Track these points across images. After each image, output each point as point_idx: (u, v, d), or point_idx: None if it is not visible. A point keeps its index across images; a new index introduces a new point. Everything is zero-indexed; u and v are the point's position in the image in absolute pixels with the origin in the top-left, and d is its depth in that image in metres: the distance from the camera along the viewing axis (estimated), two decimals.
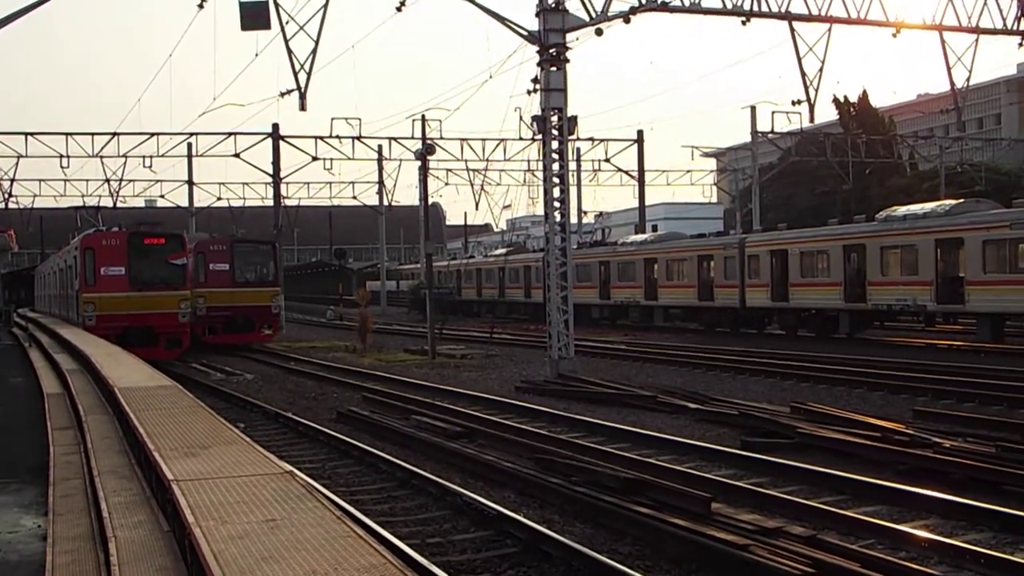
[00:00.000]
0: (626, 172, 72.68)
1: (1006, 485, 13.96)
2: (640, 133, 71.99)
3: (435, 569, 10.28)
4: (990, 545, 11.40)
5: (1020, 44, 37.16)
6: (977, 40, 36.79)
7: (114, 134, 59.32)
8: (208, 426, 11.74)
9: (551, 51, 30.53)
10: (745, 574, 10.46)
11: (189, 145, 63.34)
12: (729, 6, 32.76)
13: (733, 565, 10.64)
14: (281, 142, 62.18)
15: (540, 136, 32.25)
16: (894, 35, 35.19)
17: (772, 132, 64.71)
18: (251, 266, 47.06)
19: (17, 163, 60.83)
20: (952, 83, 38.22)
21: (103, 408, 16.52)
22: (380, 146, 66.80)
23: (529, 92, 31.89)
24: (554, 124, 31.06)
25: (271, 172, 63.13)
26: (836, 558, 10.29)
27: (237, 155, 61.85)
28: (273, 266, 47.55)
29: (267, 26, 31.19)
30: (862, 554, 10.49)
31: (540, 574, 10.99)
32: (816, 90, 35.70)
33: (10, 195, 70.26)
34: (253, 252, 47.83)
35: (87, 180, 69.71)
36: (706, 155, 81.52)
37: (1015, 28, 36.27)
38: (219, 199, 74.82)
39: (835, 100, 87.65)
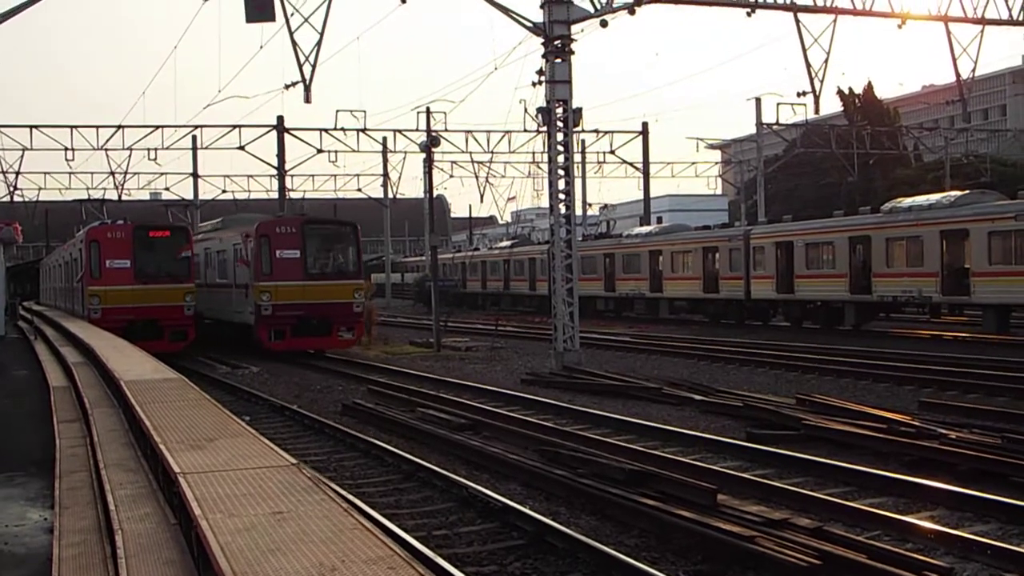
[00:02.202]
0: (631, 164, 72.64)
1: (1012, 476, 13.96)
2: (645, 125, 71.92)
3: (441, 561, 10.28)
4: (997, 536, 11.40)
5: None
6: (983, 31, 36.70)
7: (119, 127, 59.29)
8: (214, 419, 11.74)
9: (556, 43, 30.50)
10: (751, 566, 10.47)
11: (194, 138, 63.34)
12: None
13: (739, 557, 10.65)
14: (286, 134, 62.20)
15: (545, 128, 32.26)
16: (899, 26, 35.08)
17: (777, 124, 64.66)
18: (327, 253, 38.64)
19: (22, 156, 60.89)
20: (957, 74, 38.11)
21: (109, 401, 16.54)
22: (385, 138, 66.71)
23: (534, 84, 31.92)
24: (559, 116, 31.04)
25: (276, 165, 63.15)
26: (842, 550, 10.29)
27: (242, 148, 61.79)
28: (354, 253, 38.64)
29: (272, 18, 31.08)
30: (868, 545, 10.49)
31: (546, 566, 10.99)
32: (821, 82, 35.62)
33: (15, 188, 70.17)
34: (330, 236, 39.15)
35: (92, 173, 69.84)
36: (711, 147, 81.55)
37: (1021, 19, 36.16)
38: (224, 192, 74.78)
39: (840, 92, 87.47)
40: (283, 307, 36.25)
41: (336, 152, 64.30)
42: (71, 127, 59.09)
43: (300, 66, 32.90)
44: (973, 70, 38.21)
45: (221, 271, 41.89)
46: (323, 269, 37.71)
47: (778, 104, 62.12)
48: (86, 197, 55.73)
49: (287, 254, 36.68)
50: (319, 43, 32.61)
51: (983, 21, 36.09)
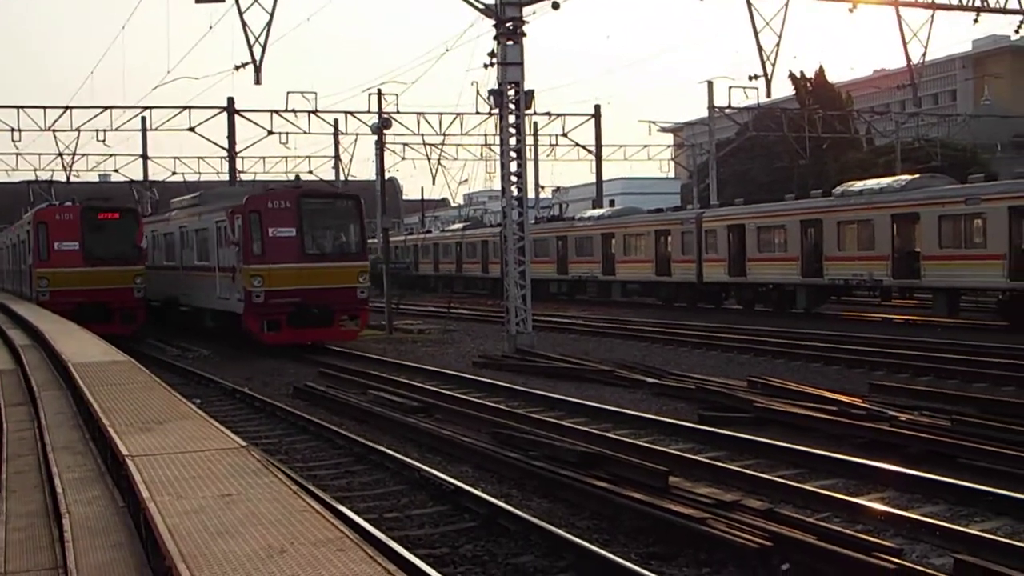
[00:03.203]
0: (583, 147, 72.60)
1: (961, 458, 14.09)
2: (597, 108, 71.92)
3: (391, 543, 10.27)
4: (945, 517, 11.49)
5: (975, 20, 37.28)
6: (933, 16, 36.92)
7: (67, 107, 58.63)
8: (163, 402, 11.65)
9: (508, 25, 30.42)
10: (703, 547, 10.50)
11: (143, 119, 62.68)
12: None
13: (691, 539, 10.68)
14: (236, 116, 61.77)
15: (497, 110, 32.19)
16: (851, 10, 35.20)
17: (729, 107, 64.77)
18: (326, 231, 34.21)
19: None
20: (908, 59, 38.35)
21: (57, 384, 16.38)
22: (336, 120, 66.23)
23: (486, 66, 31.82)
24: (511, 98, 30.99)
25: (226, 147, 62.74)
26: (793, 531, 10.34)
27: (192, 129, 61.25)
28: (357, 230, 34.20)
29: None
30: (819, 527, 10.54)
31: (498, 548, 10.98)
32: (773, 65, 35.68)
33: None
34: (330, 210, 34.54)
35: (40, 154, 68.92)
36: (663, 130, 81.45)
37: (970, 4, 36.39)
38: (174, 173, 74.23)
39: (792, 75, 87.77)
40: (277, 293, 31.78)
41: (287, 134, 63.78)
42: (18, 107, 58.31)
43: (250, 47, 32.67)
44: (924, 55, 38.48)
45: (201, 252, 37.21)
46: (322, 249, 33.39)
47: (730, 88, 62.24)
48: (34, 178, 55.26)
49: (281, 232, 32.25)
50: (269, 24, 32.39)
51: (933, 6, 36.32)
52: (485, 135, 67.74)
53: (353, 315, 33.65)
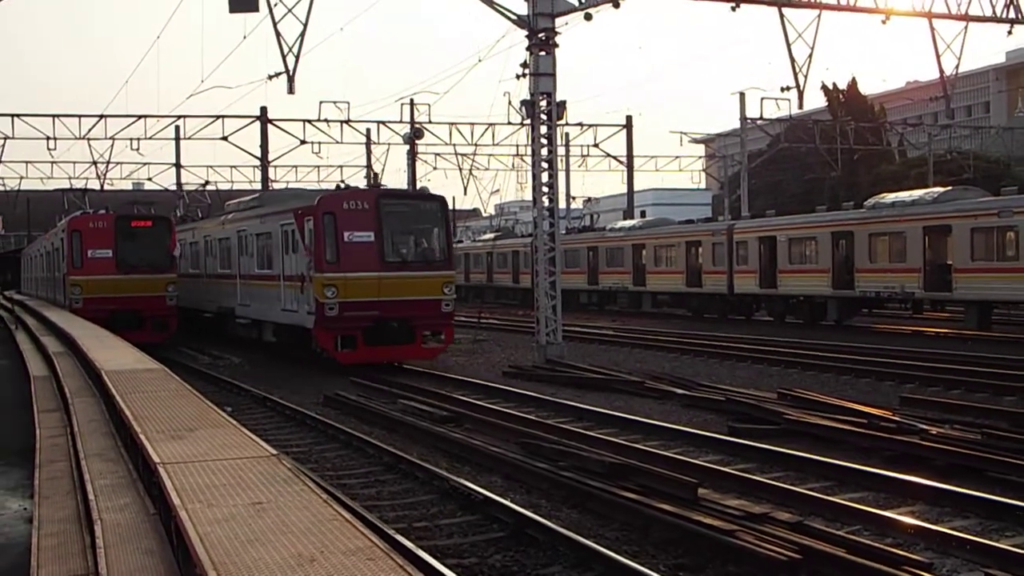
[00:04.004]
0: (615, 158, 72.62)
1: (991, 472, 14.01)
2: (629, 119, 71.98)
3: (421, 552, 10.29)
4: (976, 532, 11.43)
5: (1009, 32, 37.19)
6: (966, 28, 36.86)
7: (101, 116, 59.00)
8: (195, 409, 11.71)
9: (540, 35, 30.49)
10: (731, 560, 10.48)
11: (177, 128, 63.06)
12: None
13: (719, 550, 10.66)
14: (269, 125, 62.03)
15: (529, 121, 32.24)
16: (884, 22, 35.17)
17: (761, 118, 64.66)
18: (409, 235, 30.57)
19: (4, 145, 60.43)
20: (941, 70, 38.24)
21: (90, 391, 16.49)
22: (368, 130, 66.49)
23: (518, 77, 31.96)
24: (543, 109, 31.03)
25: (259, 155, 63.00)
26: (822, 544, 10.31)
27: (225, 138, 61.54)
28: (442, 235, 30.75)
29: (255, 8, 31.08)
30: (848, 540, 10.51)
31: (526, 558, 10.99)
32: (805, 77, 35.65)
33: None
34: (413, 213, 30.81)
35: (74, 162, 69.41)
36: (695, 141, 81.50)
37: (1004, 16, 36.28)
38: (207, 182, 74.67)
39: (824, 87, 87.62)
40: (353, 305, 28.37)
41: (319, 143, 64.05)
42: (53, 116, 58.75)
43: (284, 57, 32.86)
44: (957, 67, 38.40)
45: (262, 259, 33.95)
46: (404, 256, 29.66)
47: (762, 99, 62.11)
48: (68, 186, 55.58)
49: (358, 237, 28.79)
50: (303, 34, 32.58)
51: (967, 18, 36.21)
52: (517, 145, 67.92)
53: (436, 330, 30.43)
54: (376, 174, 34.90)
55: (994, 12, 36.19)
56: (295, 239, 30.15)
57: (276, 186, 68.08)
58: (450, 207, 31.94)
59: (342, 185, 33.28)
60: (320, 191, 34.23)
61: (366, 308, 28.43)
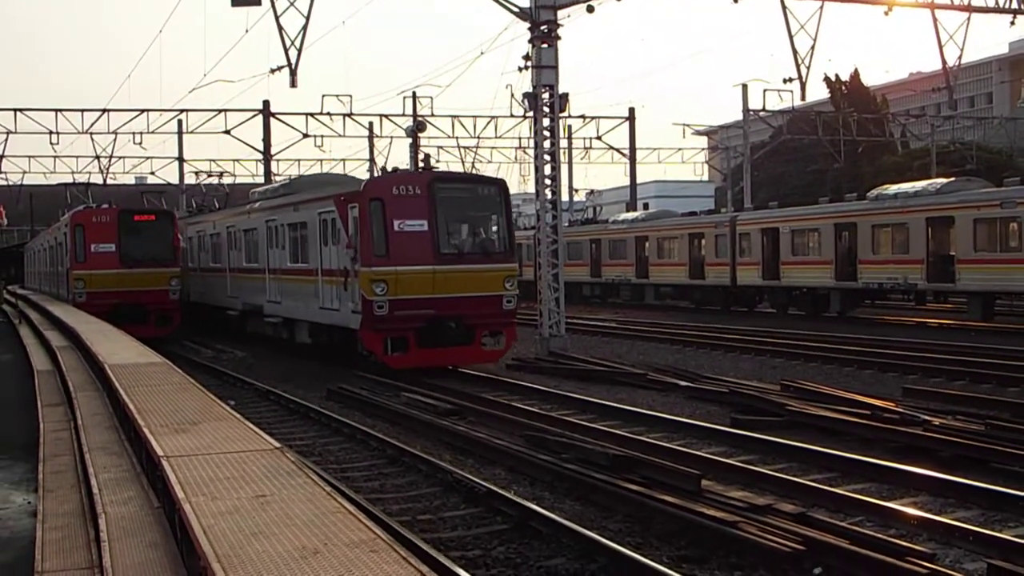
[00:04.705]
0: (617, 150, 72.63)
1: (995, 463, 14.02)
2: (632, 111, 71.95)
3: (423, 545, 10.31)
4: (979, 523, 11.44)
5: (1012, 22, 37.15)
6: (969, 18, 36.86)
7: (104, 110, 59.05)
8: (198, 403, 11.73)
9: (542, 28, 30.46)
10: (735, 551, 10.49)
11: (179, 122, 63.06)
12: None
13: (723, 542, 10.68)
14: (272, 119, 62.08)
15: (531, 113, 32.21)
16: (886, 13, 35.17)
17: (764, 110, 64.62)
18: (465, 224, 27.97)
19: (6, 139, 60.46)
20: (944, 61, 38.23)
21: (93, 385, 16.52)
22: (371, 123, 66.49)
23: (520, 69, 31.93)
24: (545, 101, 31.00)
25: (262, 149, 63.03)
26: (826, 535, 10.32)
27: (228, 132, 61.60)
28: (503, 223, 27.59)
29: (257, 2, 31.10)
30: (851, 531, 10.52)
31: (530, 551, 11.00)
32: (808, 68, 35.63)
33: None
34: (469, 198, 27.77)
35: (77, 157, 69.28)
36: (697, 133, 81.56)
37: (1007, 6, 36.24)
38: (210, 176, 74.65)
39: (827, 78, 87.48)
40: (404, 303, 25.52)
41: (322, 137, 64.07)
42: (56, 110, 58.80)
43: (286, 50, 32.86)
44: (960, 57, 38.41)
45: (296, 252, 31.03)
46: (461, 248, 26.94)
47: (764, 90, 62.05)
48: (71, 181, 55.62)
49: (410, 226, 25.94)
50: (305, 27, 32.60)
51: (970, 8, 36.16)
52: (519, 138, 67.90)
53: (496, 330, 27.21)
54: (427, 155, 30.85)
55: (997, 2, 36.16)
56: (336, 229, 27.33)
57: (279, 180, 68.21)
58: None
59: (387, 169, 30.81)
60: (353, 179, 32.60)
61: (420, 306, 25.61)
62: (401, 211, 25.72)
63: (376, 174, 34.50)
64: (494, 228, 27.74)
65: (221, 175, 60.65)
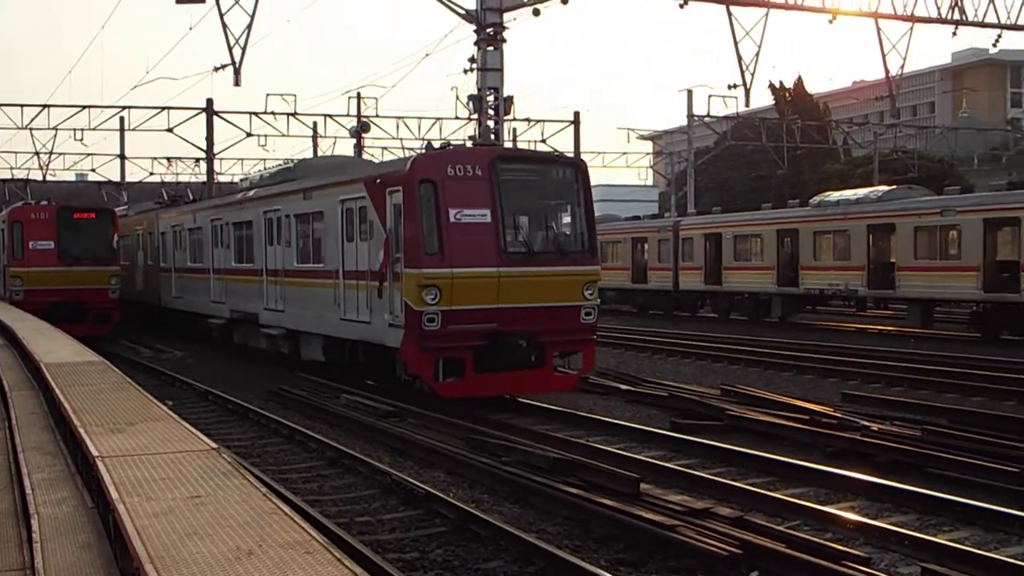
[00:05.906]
0: (562, 154, 72.72)
1: (930, 468, 14.16)
2: (576, 115, 71.79)
3: (359, 545, 10.28)
4: (914, 527, 11.54)
5: (954, 33, 37.56)
6: (912, 28, 37.14)
7: (44, 106, 58.39)
8: (136, 403, 11.62)
9: (488, 30, 30.45)
10: (672, 554, 10.52)
11: (121, 119, 62.43)
12: None
13: (661, 545, 10.71)
14: (215, 117, 61.67)
15: (476, 116, 32.19)
16: (830, 21, 35.40)
17: (708, 116, 64.96)
18: (536, 214, 21.90)
19: None
20: (887, 71, 38.55)
21: (29, 384, 16.32)
22: (315, 123, 66.14)
23: (466, 71, 31.91)
24: (490, 104, 31.00)
25: (204, 148, 62.65)
26: (762, 539, 10.37)
27: (170, 130, 61.06)
28: (582, 216, 21.47)
29: (202, 0, 30.89)
30: (788, 535, 10.58)
31: (468, 553, 10.99)
32: (752, 75, 35.83)
33: None
34: (540, 183, 21.60)
35: (15, 152, 69.01)
36: (642, 138, 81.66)
37: (949, 17, 36.58)
38: (151, 174, 74.05)
39: (771, 85, 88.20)
40: (463, 315, 19.68)
41: (266, 136, 63.70)
42: None
43: (230, 49, 32.63)
44: (902, 67, 38.75)
45: (307, 250, 26.07)
46: (530, 245, 21.05)
47: (709, 96, 62.51)
48: (9, 177, 55.03)
49: (469, 216, 19.95)
50: (249, 26, 32.35)
51: (912, 19, 36.49)
52: (464, 140, 67.78)
53: (572, 350, 21.15)
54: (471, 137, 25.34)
55: (939, 13, 36.48)
56: (367, 220, 21.94)
57: (221, 179, 67.83)
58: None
59: (432, 145, 25.19)
60: (368, 162, 29.09)
61: (481, 319, 19.82)
62: (458, 197, 19.91)
63: (481, 139, 29.37)
64: (571, 220, 21.81)
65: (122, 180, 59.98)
